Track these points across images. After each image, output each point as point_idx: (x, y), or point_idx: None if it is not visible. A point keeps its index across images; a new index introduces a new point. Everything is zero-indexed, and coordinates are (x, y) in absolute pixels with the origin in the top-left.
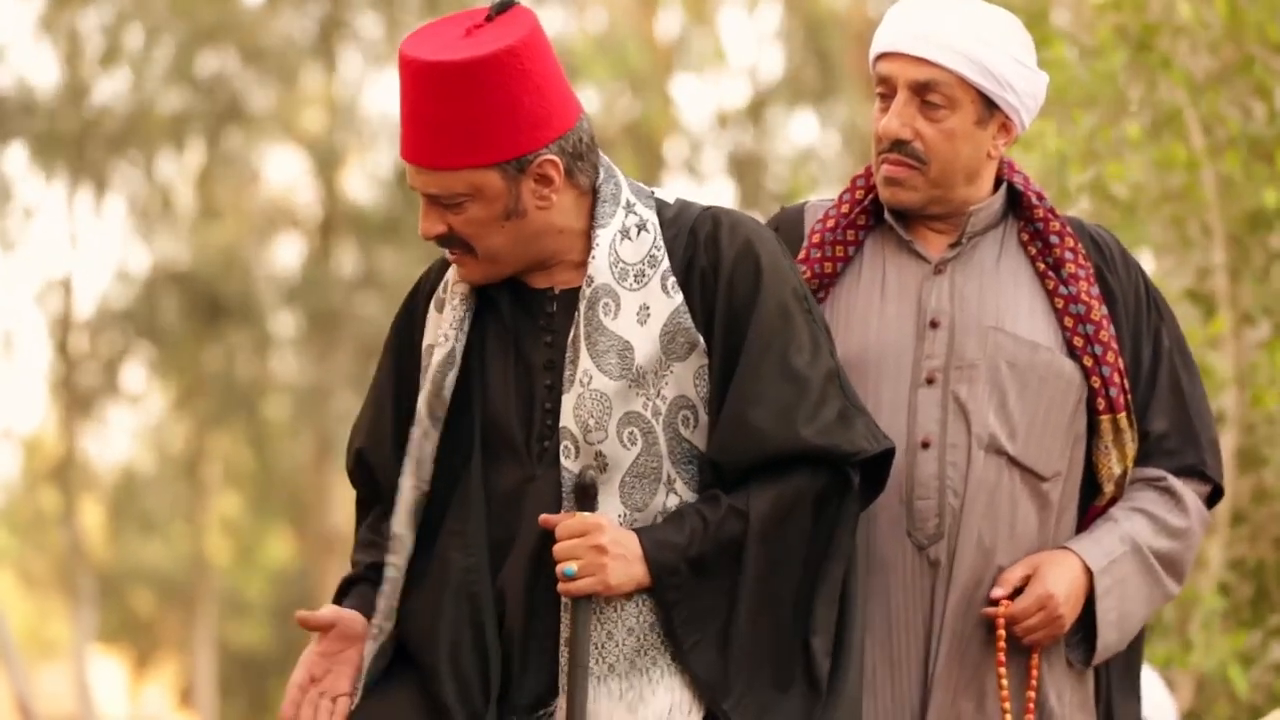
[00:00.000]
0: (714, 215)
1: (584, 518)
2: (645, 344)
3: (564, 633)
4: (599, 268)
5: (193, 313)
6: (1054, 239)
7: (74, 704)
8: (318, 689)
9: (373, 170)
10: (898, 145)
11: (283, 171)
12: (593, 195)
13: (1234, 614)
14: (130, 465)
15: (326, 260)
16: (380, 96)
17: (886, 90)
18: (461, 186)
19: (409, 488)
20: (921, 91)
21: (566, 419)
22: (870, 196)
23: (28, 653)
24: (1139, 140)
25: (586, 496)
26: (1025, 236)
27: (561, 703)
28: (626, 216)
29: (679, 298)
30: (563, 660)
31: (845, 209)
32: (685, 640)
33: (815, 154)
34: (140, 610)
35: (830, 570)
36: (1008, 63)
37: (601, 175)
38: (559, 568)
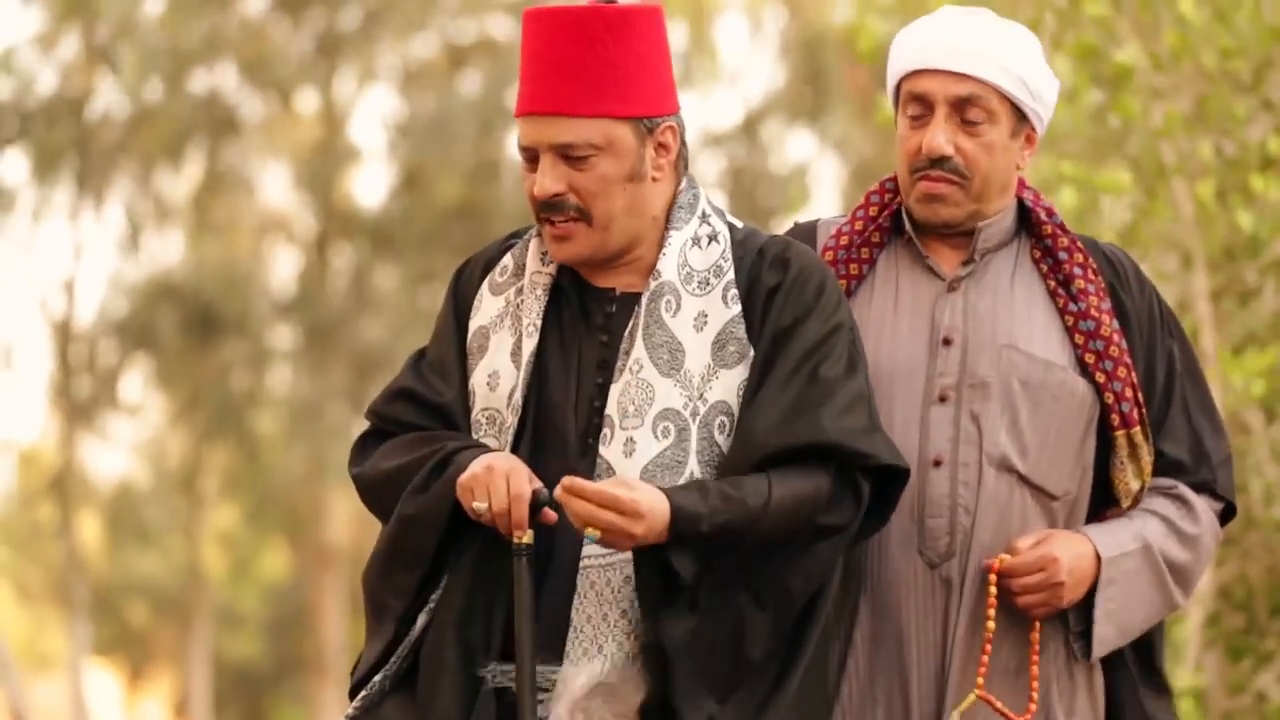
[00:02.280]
0: (785, 241)
1: (621, 493)
2: (697, 349)
3: (574, 609)
4: (667, 267)
5: (189, 326)
6: (1062, 254)
7: (69, 717)
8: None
9: (370, 185)
10: (939, 162)
11: (279, 185)
12: (672, 201)
13: (1223, 640)
14: (127, 478)
15: (322, 275)
16: (376, 111)
17: (921, 109)
18: (598, 137)
19: None
20: (961, 107)
21: (611, 406)
22: (886, 213)
23: (23, 665)
24: (1076, 174)
25: (536, 509)
26: (1037, 254)
27: (565, 671)
28: (700, 226)
29: (737, 308)
30: (571, 634)
31: (859, 225)
32: (661, 610)
33: (809, 170)
34: (136, 623)
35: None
36: (1038, 73)
37: (684, 183)
38: (583, 530)
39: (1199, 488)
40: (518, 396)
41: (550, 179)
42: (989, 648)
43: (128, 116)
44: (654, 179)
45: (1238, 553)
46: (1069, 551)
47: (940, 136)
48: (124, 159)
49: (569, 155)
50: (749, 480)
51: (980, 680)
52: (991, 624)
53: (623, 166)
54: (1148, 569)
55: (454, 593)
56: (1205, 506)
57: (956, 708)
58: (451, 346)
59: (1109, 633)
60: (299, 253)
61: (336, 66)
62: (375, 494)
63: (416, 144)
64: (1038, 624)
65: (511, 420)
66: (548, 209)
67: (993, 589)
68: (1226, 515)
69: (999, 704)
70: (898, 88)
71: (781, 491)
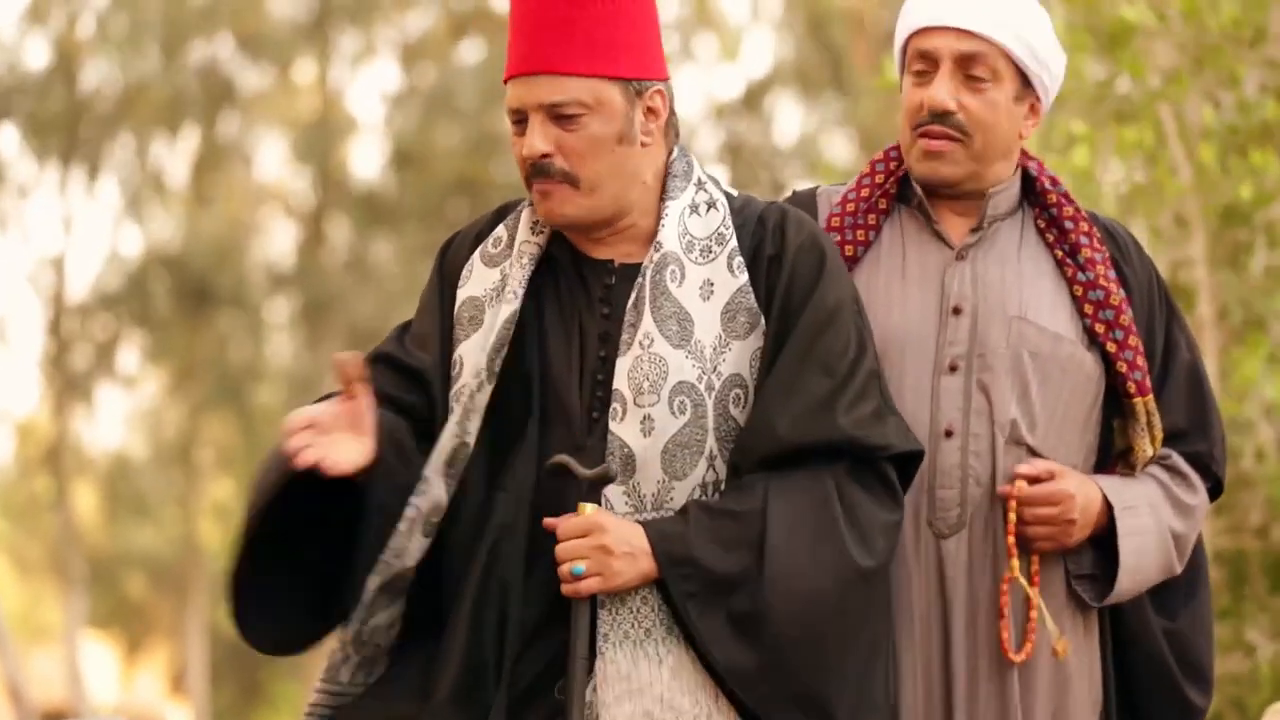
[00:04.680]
0: (781, 208)
1: (586, 517)
2: (705, 318)
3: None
4: (667, 236)
5: (184, 298)
6: (1068, 224)
7: (65, 689)
8: (315, 432)
9: (367, 157)
10: (940, 117)
11: (276, 158)
12: (665, 170)
13: (1214, 600)
14: (123, 450)
15: (319, 247)
16: (374, 83)
17: (926, 66)
18: (587, 96)
19: (450, 435)
20: (965, 64)
21: (620, 381)
22: (892, 180)
23: (19, 638)
24: (1086, 134)
25: (595, 490)
26: (1042, 224)
27: (600, 665)
28: (697, 193)
29: (744, 277)
30: (601, 629)
31: (866, 192)
32: (701, 625)
33: (812, 143)
34: (132, 595)
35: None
36: (1045, 42)
37: (675, 152)
38: (564, 568)
39: (1194, 459)
40: (496, 361)
41: (539, 138)
42: (1008, 580)
43: (122, 89)
44: (643, 144)
45: (1228, 518)
46: (1082, 492)
47: (943, 90)
48: (118, 131)
49: (558, 115)
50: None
51: (1004, 615)
52: (1014, 559)
53: (611, 128)
54: (1156, 529)
55: (461, 605)
56: (1199, 480)
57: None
58: (434, 319)
59: (1126, 585)
60: (296, 225)
61: (334, 38)
62: None
63: (414, 116)
64: (1035, 563)
65: (486, 386)
66: (536, 172)
67: (1012, 515)
68: (1214, 493)
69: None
70: (904, 49)
71: (778, 480)
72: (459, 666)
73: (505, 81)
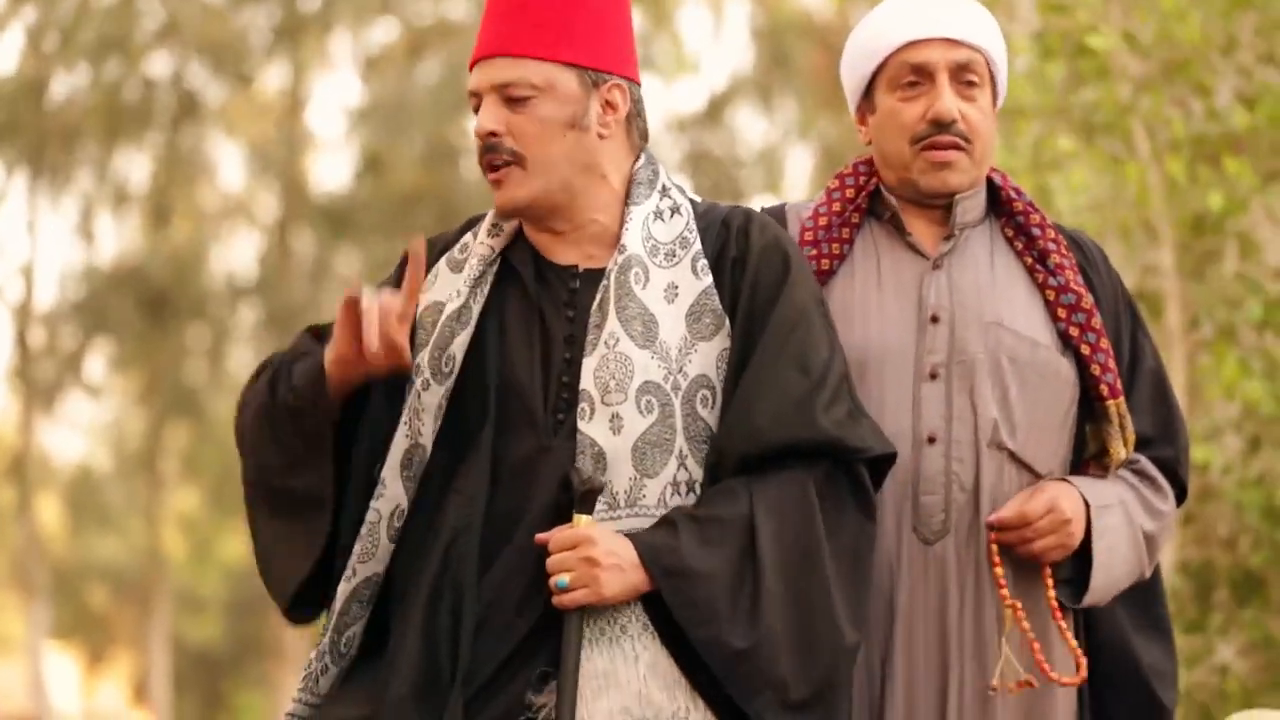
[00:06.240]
0: (745, 211)
1: (575, 530)
2: (670, 321)
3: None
4: (631, 240)
5: (147, 309)
6: (1036, 231)
7: (27, 700)
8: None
9: (330, 169)
10: (946, 127)
11: (239, 169)
12: (630, 176)
13: (1179, 615)
14: (87, 461)
15: (285, 257)
16: (337, 95)
17: (918, 78)
18: (537, 78)
19: (402, 437)
20: (959, 73)
21: (586, 381)
22: (863, 194)
23: None
24: (1074, 150)
25: (586, 501)
26: (1010, 232)
27: (594, 659)
28: (661, 199)
29: (708, 279)
30: (567, 633)
31: (838, 207)
32: (699, 630)
33: (774, 154)
34: (95, 606)
35: (853, 557)
36: (1001, 40)
37: (642, 160)
38: (552, 580)
39: (1161, 465)
40: (441, 360)
41: (489, 118)
42: (1019, 610)
43: (86, 100)
44: (600, 135)
45: (1195, 529)
46: (1065, 497)
47: (950, 101)
48: (83, 142)
49: (509, 96)
50: (718, 490)
51: (1004, 639)
52: (1004, 587)
53: (563, 112)
54: (1127, 528)
55: (415, 597)
56: (1168, 485)
57: (1003, 634)
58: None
59: (1100, 583)
60: (260, 236)
61: (297, 51)
62: (243, 412)
63: (376, 128)
64: (1049, 584)
65: (433, 385)
66: (486, 151)
67: (994, 546)
68: (1178, 500)
69: (1029, 629)
70: (880, 66)
71: (762, 484)
72: (414, 665)
73: (470, 68)
